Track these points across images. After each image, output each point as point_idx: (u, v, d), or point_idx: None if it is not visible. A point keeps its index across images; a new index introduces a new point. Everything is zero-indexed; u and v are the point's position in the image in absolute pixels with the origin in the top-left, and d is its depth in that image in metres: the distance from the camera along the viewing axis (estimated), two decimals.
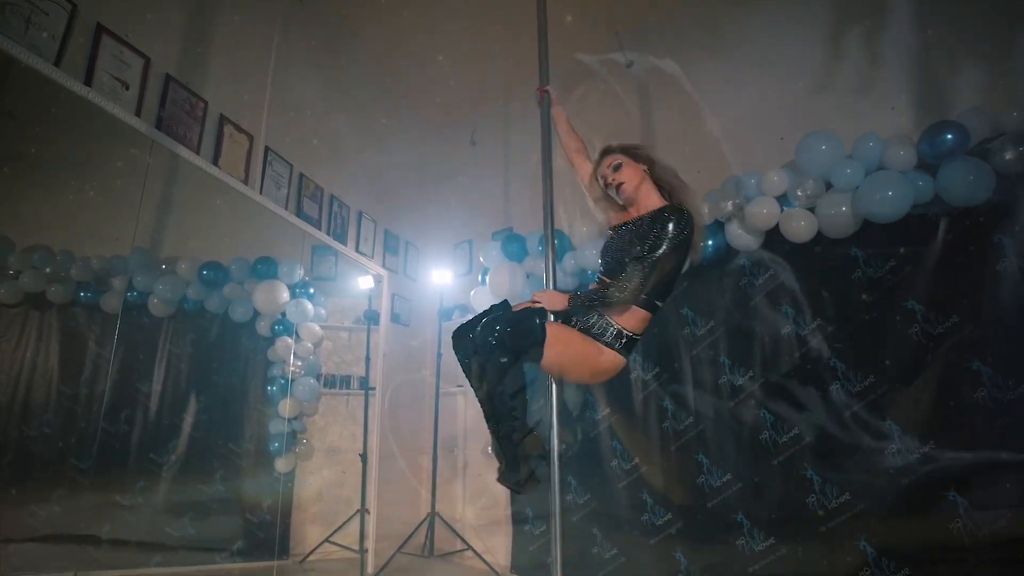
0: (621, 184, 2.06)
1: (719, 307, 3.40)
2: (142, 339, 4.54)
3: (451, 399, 5.00)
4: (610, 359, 1.92)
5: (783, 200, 3.12)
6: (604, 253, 2.09)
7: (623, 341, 1.91)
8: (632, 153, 2.12)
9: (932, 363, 2.68)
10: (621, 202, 2.11)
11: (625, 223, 2.06)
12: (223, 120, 3.15)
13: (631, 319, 1.92)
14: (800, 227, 2.99)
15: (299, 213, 3.83)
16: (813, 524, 2.86)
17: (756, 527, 3.04)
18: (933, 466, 2.60)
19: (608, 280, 1.99)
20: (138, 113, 2.65)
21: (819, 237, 3.03)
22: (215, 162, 3.08)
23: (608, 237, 2.12)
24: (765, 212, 3.07)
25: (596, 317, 1.93)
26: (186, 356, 4.65)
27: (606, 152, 2.16)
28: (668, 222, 1.85)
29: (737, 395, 3.26)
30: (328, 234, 4.32)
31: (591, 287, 2.05)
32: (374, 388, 4.64)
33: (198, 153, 2.97)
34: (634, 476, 3.59)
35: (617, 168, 2.08)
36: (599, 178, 2.14)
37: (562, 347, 1.87)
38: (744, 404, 3.22)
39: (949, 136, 2.57)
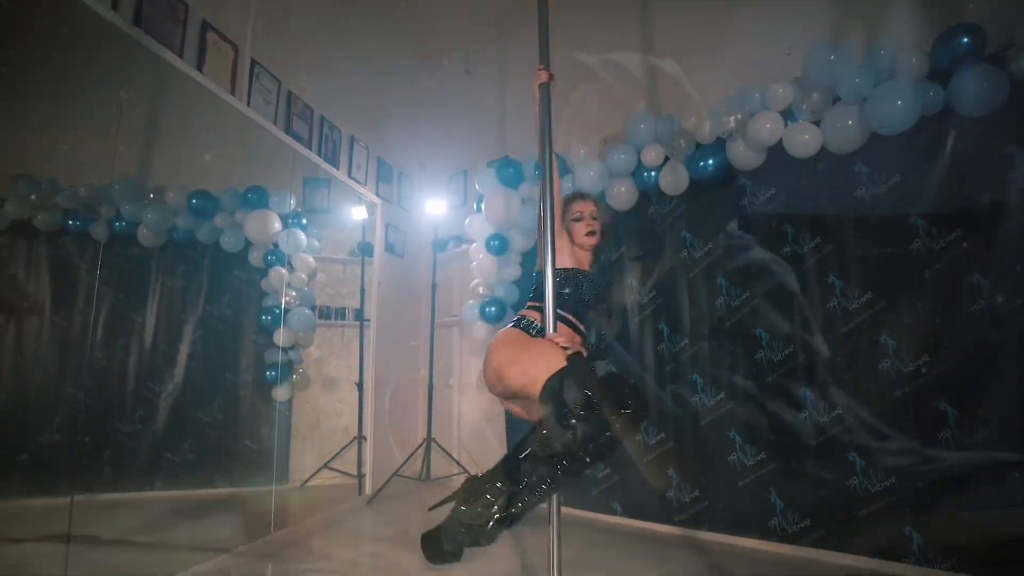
0: (595, 232, 2.26)
1: (716, 229, 3.35)
2: (133, 269, 4.49)
3: (447, 330, 5.00)
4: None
5: (787, 115, 3.02)
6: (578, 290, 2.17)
7: None
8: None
9: (933, 279, 2.65)
10: (586, 245, 2.27)
11: (584, 273, 2.21)
12: (206, 27, 3.00)
13: None
14: (804, 141, 2.90)
15: (288, 131, 3.71)
16: (805, 439, 2.90)
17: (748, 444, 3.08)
18: (925, 380, 2.62)
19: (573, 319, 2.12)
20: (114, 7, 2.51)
21: (823, 152, 2.95)
22: (199, 70, 2.95)
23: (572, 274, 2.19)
24: (768, 127, 2.98)
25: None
26: (179, 287, 4.61)
27: (584, 197, 2.34)
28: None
29: (733, 316, 3.24)
30: (320, 156, 4.21)
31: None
32: (369, 320, 4.61)
33: (181, 58, 2.83)
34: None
35: (595, 217, 2.27)
36: (575, 213, 2.27)
37: None
38: (738, 325, 3.22)
39: (965, 40, 2.47)
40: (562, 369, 1.66)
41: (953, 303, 2.59)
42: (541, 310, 1.89)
